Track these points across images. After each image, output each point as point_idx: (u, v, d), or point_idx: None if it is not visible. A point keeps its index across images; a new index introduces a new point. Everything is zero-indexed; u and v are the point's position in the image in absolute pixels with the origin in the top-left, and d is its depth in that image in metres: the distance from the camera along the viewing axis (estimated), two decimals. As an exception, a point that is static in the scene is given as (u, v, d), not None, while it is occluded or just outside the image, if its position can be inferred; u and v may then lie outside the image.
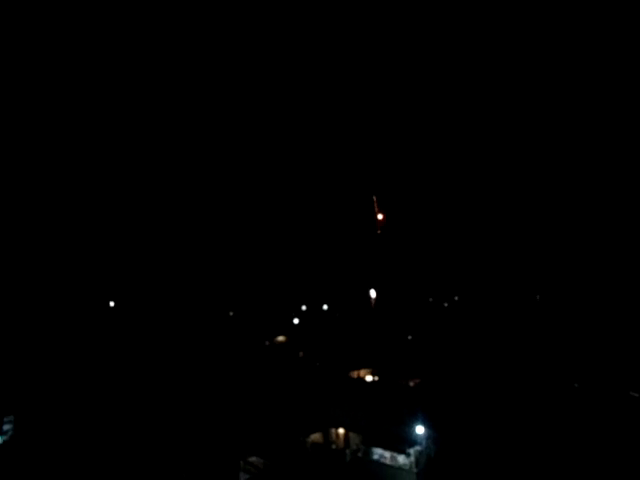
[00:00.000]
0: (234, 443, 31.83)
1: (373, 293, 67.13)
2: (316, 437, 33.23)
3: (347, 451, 32.03)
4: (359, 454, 31.29)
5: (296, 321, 62.33)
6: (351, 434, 32.75)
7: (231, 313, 67.31)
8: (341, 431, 33.36)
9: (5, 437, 32.29)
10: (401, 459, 29.71)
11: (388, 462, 29.95)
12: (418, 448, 29.77)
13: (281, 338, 56.11)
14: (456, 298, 71.23)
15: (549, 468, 27.15)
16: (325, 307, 69.71)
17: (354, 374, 41.12)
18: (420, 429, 29.92)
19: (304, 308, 68.42)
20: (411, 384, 38.97)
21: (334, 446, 33.16)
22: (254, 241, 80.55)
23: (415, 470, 28.93)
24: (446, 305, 69.72)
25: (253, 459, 30.42)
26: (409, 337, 50.89)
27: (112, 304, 68.76)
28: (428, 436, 30.12)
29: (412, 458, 29.37)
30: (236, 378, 42.23)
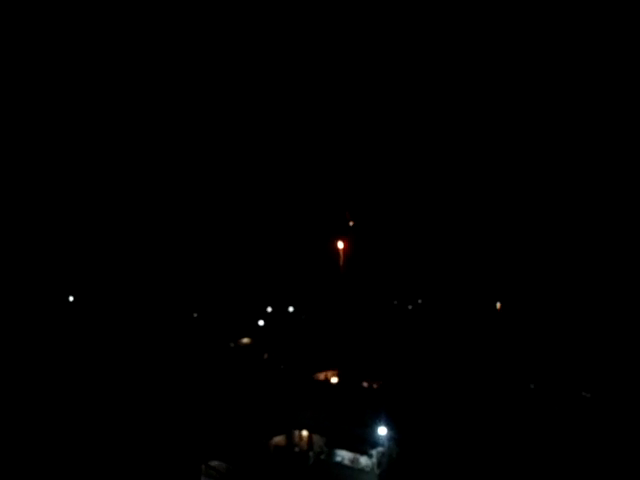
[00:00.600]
0: (196, 447, 31.36)
1: (339, 295, 67.60)
2: (279, 440, 33.16)
3: (310, 453, 32.11)
4: (322, 456, 31.43)
5: (261, 323, 61.97)
6: (314, 436, 32.86)
7: (195, 314, 66.32)
8: (304, 433, 33.41)
9: None
10: (363, 460, 30.04)
11: (350, 464, 30.24)
12: (380, 449, 30.16)
13: (246, 340, 55.68)
14: (420, 301, 72.48)
15: (507, 467, 28.03)
16: (291, 309, 69.64)
17: (319, 376, 41.26)
18: (383, 430, 30.31)
19: (269, 310, 68.14)
20: (374, 386, 39.44)
21: (297, 448, 33.17)
22: (219, 241, 79.63)
23: (377, 471, 29.30)
24: (410, 308, 70.84)
25: (215, 463, 30.08)
26: (373, 339, 51.43)
27: (71, 299, 67.05)
28: (390, 437, 30.56)
29: (374, 459, 29.74)
30: (199, 380, 41.62)
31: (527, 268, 69.85)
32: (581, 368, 39.08)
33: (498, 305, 65.08)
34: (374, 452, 29.75)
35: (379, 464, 29.45)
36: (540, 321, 53.19)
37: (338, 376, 40.96)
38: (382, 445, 30.21)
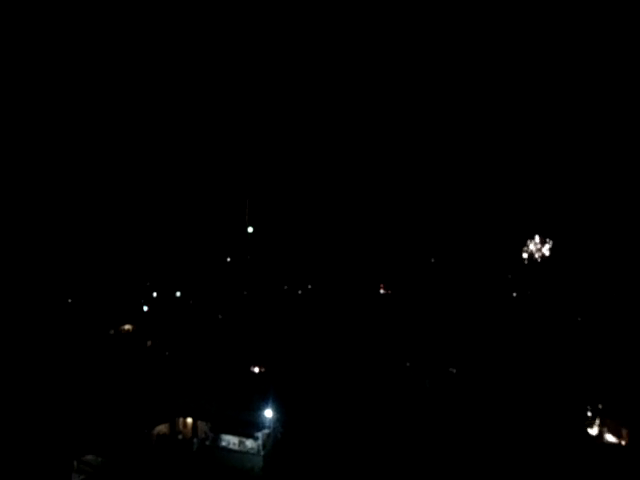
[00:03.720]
0: (66, 441, 28.98)
1: (229, 280, 66.59)
2: (162, 428, 32.01)
3: (194, 440, 31.50)
4: (207, 442, 31.01)
5: (146, 309, 58.86)
6: (199, 423, 32.25)
7: (70, 300, 60.86)
8: (189, 420, 32.64)
9: None
10: (249, 443, 30.23)
11: (236, 448, 30.27)
12: (266, 431, 30.62)
13: (128, 326, 52.54)
14: (309, 286, 74.28)
15: (386, 438, 30.03)
16: (178, 294, 67.07)
17: (204, 362, 40.46)
18: (269, 413, 30.76)
19: (155, 295, 64.91)
20: (257, 370, 39.82)
21: (181, 436, 32.33)
22: (99, 221, 73.72)
23: (262, 453, 29.72)
24: (300, 292, 72.25)
25: (89, 457, 28.11)
26: (262, 324, 51.71)
27: None
28: (276, 419, 31.15)
29: (260, 441, 30.09)
30: (73, 370, 38.40)
31: (407, 253, 74.83)
32: (448, 348, 43.41)
33: (381, 289, 69.18)
34: (260, 434, 30.07)
35: (264, 446, 29.89)
36: (418, 305, 57.66)
37: (224, 361, 40.55)
38: (268, 427, 30.70)
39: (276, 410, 31.20)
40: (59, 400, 33.70)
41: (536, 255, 77.60)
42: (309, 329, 49.23)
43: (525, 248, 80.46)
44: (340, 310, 56.64)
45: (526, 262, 75.55)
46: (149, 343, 48.81)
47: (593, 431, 29.98)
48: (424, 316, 52.62)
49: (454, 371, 39.19)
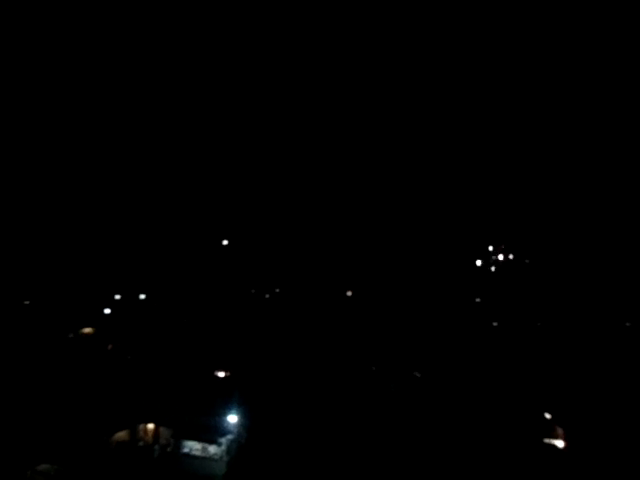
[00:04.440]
0: (19, 450, 27.72)
1: (195, 283, 65.55)
2: (122, 435, 31.10)
3: (156, 447, 30.77)
4: (168, 449, 30.36)
5: (107, 311, 57.13)
6: (161, 429, 31.54)
7: (27, 302, 58.46)
8: (150, 426, 31.86)
9: None
10: (212, 449, 29.75)
11: (199, 454, 29.73)
12: (230, 437, 30.20)
13: (88, 330, 50.86)
14: (277, 290, 73.88)
15: (354, 448, 30.02)
16: (143, 296, 65.43)
17: (167, 366, 39.60)
18: (233, 418, 30.37)
19: (118, 297, 63.10)
20: (222, 375, 39.29)
21: (142, 443, 31.50)
22: (59, 219, 71.17)
23: (226, 459, 29.29)
24: (267, 297, 71.73)
25: (43, 467, 26.99)
26: (228, 327, 51.07)
27: None
28: (241, 424, 30.78)
29: (223, 447, 29.66)
30: (28, 375, 36.85)
31: (375, 258, 75.53)
32: (413, 352, 44.08)
33: (349, 293, 69.56)
34: (224, 440, 29.67)
35: (228, 451, 29.48)
36: (384, 310, 58.29)
37: (188, 365, 39.84)
38: (232, 432, 30.30)
39: (241, 415, 30.86)
40: (11, 406, 32.25)
41: (497, 260, 79.73)
42: (275, 333, 48.96)
43: (487, 254, 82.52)
44: (307, 314, 56.60)
45: (489, 268, 77.39)
46: (110, 347, 47.43)
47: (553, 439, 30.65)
48: (389, 320, 53.20)
49: (418, 375, 39.79)
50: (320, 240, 78.24)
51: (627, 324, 48.66)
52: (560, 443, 29.96)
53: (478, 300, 65.53)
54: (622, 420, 30.00)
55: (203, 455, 29.62)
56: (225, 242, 78.21)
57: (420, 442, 29.99)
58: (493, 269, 77.09)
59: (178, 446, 30.06)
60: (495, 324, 53.50)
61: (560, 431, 30.58)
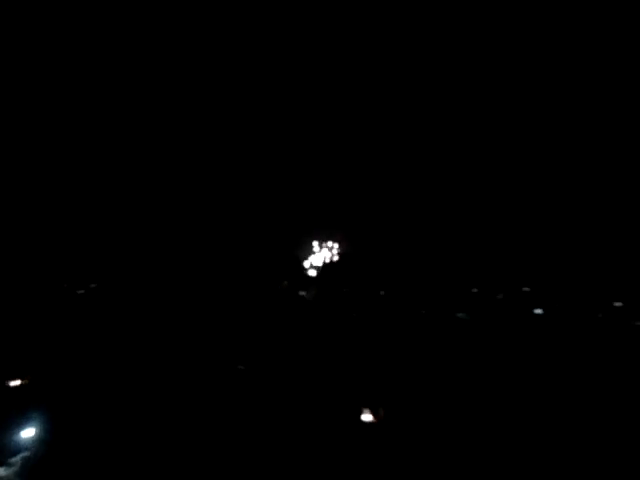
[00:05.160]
0: None
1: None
2: None
3: None
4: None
5: None
6: None
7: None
8: None
9: None
10: (2, 471, 25.64)
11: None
12: (26, 454, 26.39)
13: None
14: (93, 285, 67.47)
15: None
16: None
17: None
18: (29, 432, 26.64)
19: None
20: (15, 384, 33.83)
21: None
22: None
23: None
24: (81, 293, 64.85)
25: None
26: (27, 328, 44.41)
27: None
28: (39, 439, 27.14)
29: (16, 468, 25.77)
30: None
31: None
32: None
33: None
34: (16, 459, 25.78)
35: (21, 473, 25.69)
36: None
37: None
38: (28, 449, 26.50)
39: (40, 428, 27.21)
40: None
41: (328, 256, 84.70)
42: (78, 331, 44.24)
43: (315, 249, 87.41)
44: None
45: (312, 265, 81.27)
46: None
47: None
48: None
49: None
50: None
51: (599, 315, 48.93)
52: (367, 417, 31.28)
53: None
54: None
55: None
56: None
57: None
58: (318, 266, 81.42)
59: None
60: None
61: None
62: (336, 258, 79.65)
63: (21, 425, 26.51)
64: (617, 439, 27.25)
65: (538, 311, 47.14)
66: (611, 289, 55.59)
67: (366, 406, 30.89)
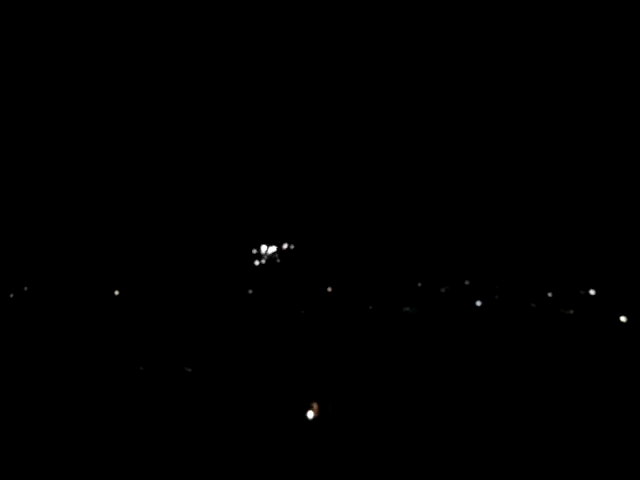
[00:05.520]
0: None
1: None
2: None
3: None
4: None
5: None
6: None
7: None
8: None
9: None
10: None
11: None
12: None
13: None
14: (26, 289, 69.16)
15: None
16: None
17: None
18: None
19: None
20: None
21: None
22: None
23: None
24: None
25: None
26: None
27: None
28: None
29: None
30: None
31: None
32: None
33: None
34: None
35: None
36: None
37: None
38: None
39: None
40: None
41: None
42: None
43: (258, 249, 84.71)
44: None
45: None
46: None
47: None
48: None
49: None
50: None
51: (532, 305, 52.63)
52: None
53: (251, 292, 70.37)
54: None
55: None
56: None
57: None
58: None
59: None
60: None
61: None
62: (283, 254, 79.35)
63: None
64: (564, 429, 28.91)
65: (478, 303, 49.96)
66: (546, 279, 59.11)
67: (313, 402, 34.58)
